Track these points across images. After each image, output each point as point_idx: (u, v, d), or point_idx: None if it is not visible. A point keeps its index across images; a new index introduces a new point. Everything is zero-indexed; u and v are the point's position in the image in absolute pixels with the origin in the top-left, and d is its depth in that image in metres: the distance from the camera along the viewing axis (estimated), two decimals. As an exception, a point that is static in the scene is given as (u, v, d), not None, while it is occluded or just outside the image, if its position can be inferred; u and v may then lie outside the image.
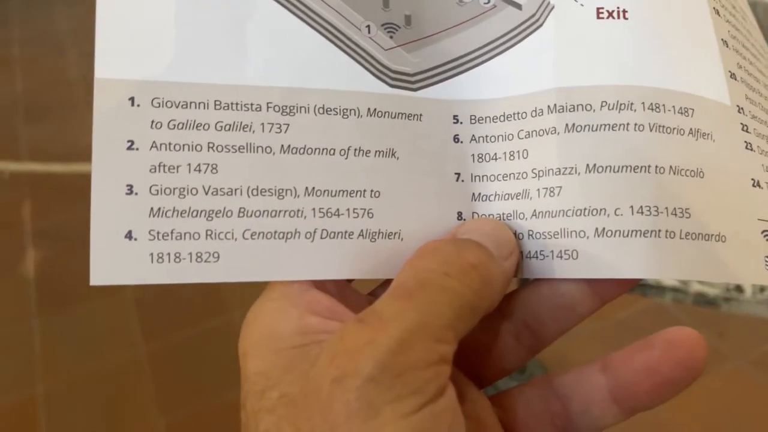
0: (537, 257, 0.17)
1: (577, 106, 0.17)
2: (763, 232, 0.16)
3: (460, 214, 0.17)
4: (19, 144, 1.25)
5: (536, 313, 0.17)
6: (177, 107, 0.16)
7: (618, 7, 0.17)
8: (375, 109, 0.17)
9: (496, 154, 0.18)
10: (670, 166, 0.16)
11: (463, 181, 0.18)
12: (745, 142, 0.17)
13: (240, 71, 0.16)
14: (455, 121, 0.18)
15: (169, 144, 0.16)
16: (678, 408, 0.81)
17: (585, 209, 0.16)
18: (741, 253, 0.16)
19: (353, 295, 0.17)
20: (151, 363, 0.80)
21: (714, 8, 0.18)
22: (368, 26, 0.18)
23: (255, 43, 0.17)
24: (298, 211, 0.16)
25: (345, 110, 0.17)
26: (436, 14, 0.18)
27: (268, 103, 0.16)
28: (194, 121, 0.16)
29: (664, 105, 0.16)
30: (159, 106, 0.16)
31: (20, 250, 0.98)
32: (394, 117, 0.17)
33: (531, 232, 0.17)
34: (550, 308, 0.17)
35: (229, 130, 0.16)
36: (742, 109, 0.17)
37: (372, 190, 0.17)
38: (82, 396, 0.78)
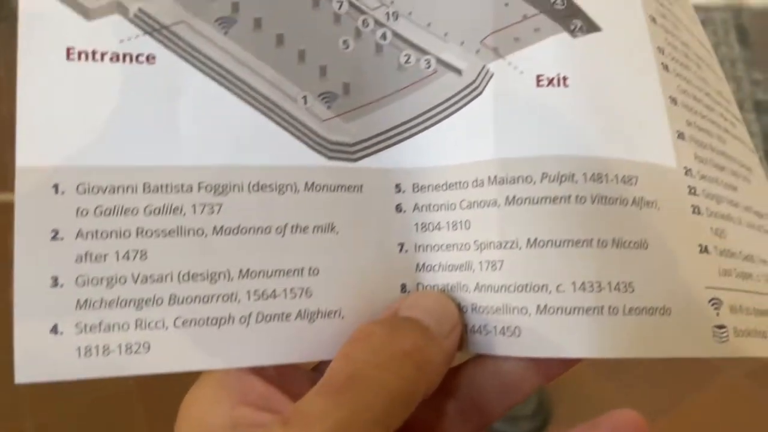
0: (481, 332, 0.16)
1: (518, 177, 0.16)
2: (711, 300, 0.16)
3: (404, 286, 0.17)
4: (8, 170, 1.24)
5: (482, 389, 0.17)
6: (104, 193, 0.15)
7: (558, 74, 0.17)
8: (313, 183, 0.17)
9: (439, 223, 0.17)
10: (613, 239, 0.16)
11: (406, 251, 0.17)
12: (693, 206, 0.17)
13: (170, 151, 0.16)
14: (397, 190, 0.17)
15: (96, 232, 0.15)
16: (673, 421, 0.80)
17: (527, 285, 0.16)
18: (687, 326, 0.16)
19: (295, 374, 0.16)
20: (141, 394, 0.79)
21: (663, 64, 0.18)
22: (305, 97, 0.17)
23: (186, 121, 0.16)
24: (232, 294, 0.16)
25: (281, 186, 0.16)
26: (376, 81, 0.18)
27: (199, 183, 0.16)
28: (122, 207, 0.16)
29: (606, 175, 0.16)
30: (84, 192, 0.15)
31: (7, 279, 0.97)
32: (333, 190, 0.17)
33: (474, 306, 0.16)
34: (495, 385, 0.16)
35: (158, 213, 0.16)
36: (690, 170, 0.17)
37: (310, 268, 0.16)
38: (71, 429, 0.78)
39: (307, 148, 0.17)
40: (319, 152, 0.17)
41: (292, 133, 0.17)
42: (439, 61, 0.18)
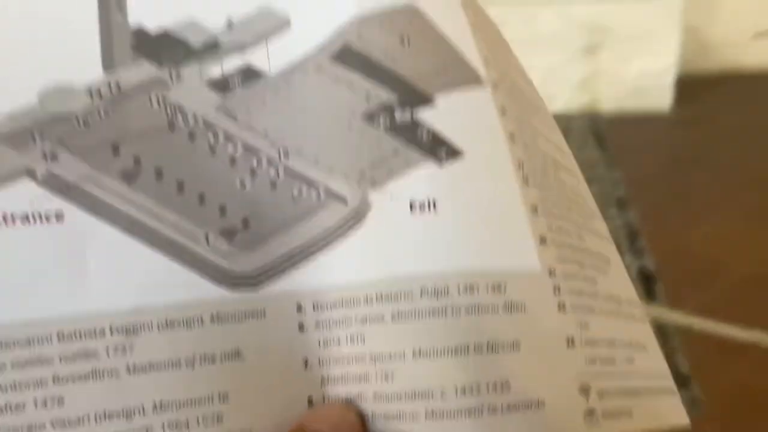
0: None
1: (401, 294, 0.18)
2: (580, 388, 0.18)
3: (310, 399, 0.19)
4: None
5: None
6: (19, 346, 0.17)
7: (428, 199, 0.19)
8: (218, 314, 0.18)
9: (339, 339, 0.19)
10: (487, 343, 0.18)
11: (311, 367, 0.19)
12: (558, 303, 0.19)
13: (81, 300, 0.18)
14: (299, 310, 0.19)
15: (14, 384, 0.17)
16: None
17: (416, 393, 0.18)
18: (561, 415, 0.18)
19: None
20: None
21: (523, 177, 0.20)
22: (206, 235, 0.19)
23: (95, 270, 0.18)
24: (148, 428, 0.17)
25: (188, 321, 0.18)
26: (273, 213, 0.20)
27: (111, 327, 0.17)
28: (38, 357, 0.17)
29: (477, 285, 0.18)
30: (0, 348, 0.17)
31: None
32: (238, 318, 0.19)
33: (374, 414, 0.18)
34: None
35: (73, 359, 0.17)
36: (553, 271, 0.19)
37: (220, 394, 0.18)
38: None
39: (210, 282, 0.19)
40: (223, 285, 0.19)
41: (197, 271, 0.19)
42: (327, 191, 0.20)
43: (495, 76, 0.21)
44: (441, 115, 0.20)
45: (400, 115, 0.20)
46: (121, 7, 0.20)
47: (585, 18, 1.62)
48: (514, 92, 0.22)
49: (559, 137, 0.23)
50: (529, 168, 0.21)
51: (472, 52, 0.21)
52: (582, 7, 1.60)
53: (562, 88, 1.63)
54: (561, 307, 0.19)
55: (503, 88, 0.21)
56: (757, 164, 1.33)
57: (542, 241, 0.20)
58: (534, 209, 0.20)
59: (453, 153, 0.20)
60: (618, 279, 0.22)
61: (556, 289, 0.19)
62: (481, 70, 0.21)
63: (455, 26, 0.22)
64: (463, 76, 0.21)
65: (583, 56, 1.65)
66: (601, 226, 0.22)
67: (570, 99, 1.63)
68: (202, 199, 0.19)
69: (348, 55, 0.20)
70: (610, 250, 0.22)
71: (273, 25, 0.21)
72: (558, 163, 0.22)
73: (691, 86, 1.60)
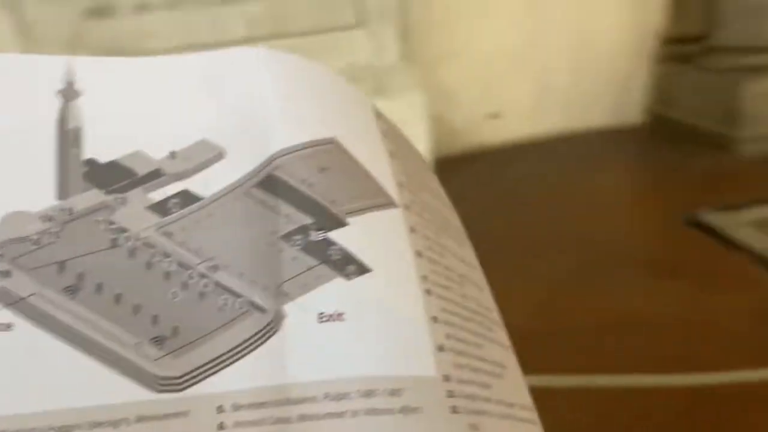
0: None
1: (306, 399, 0.21)
2: None
3: None
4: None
5: None
6: None
7: (335, 311, 0.22)
8: (143, 415, 0.21)
9: None
10: None
11: None
12: (451, 407, 0.21)
13: (22, 401, 0.20)
14: (219, 410, 0.21)
15: None
16: None
17: None
18: None
19: None
20: None
21: (426, 289, 0.23)
22: (138, 343, 0.21)
23: (35, 376, 0.20)
24: None
25: (116, 421, 0.20)
26: (200, 322, 0.22)
27: (48, 426, 0.20)
28: None
29: (376, 390, 0.20)
30: None
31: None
32: (162, 418, 0.21)
33: None
34: None
35: None
36: (448, 377, 0.22)
37: None
38: None
39: (139, 385, 0.21)
40: (150, 387, 0.21)
41: (127, 375, 0.21)
42: (250, 302, 0.22)
43: (408, 198, 0.24)
44: (352, 236, 0.23)
45: (315, 236, 0.23)
46: (78, 142, 0.23)
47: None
48: (426, 212, 0.25)
49: (469, 252, 0.26)
50: (432, 281, 0.23)
51: (386, 179, 0.24)
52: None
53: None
54: (454, 409, 0.21)
55: (415, 209, 0.24)
56: (505, 230, 1.68)
57: (440, 348, 0.22)
58: (434, 319, 0.23)
59: (361, 269, 0.22)
60: (513, 384, 0.24)
61: (450, 393, 0.21)
62: (395, 194, 0.24)
63: (372, 156, 0.25)
64: (376, 200, 0.24)
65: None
66: (503, 335, 0.25)
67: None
68: (137, 309, 0.22)
69: (272, 183, 0.23)
70: (508, 358, 0.24)
71: (210, 156, 0.24)
72: (464, 277, 0.25)
73: (444, 167, 1.84)
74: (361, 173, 0.24)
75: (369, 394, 0.20)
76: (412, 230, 0.24)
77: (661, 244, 2.13)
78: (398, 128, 0.29)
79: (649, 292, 1.83)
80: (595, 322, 1.47)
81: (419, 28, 2.45)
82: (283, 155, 0.24)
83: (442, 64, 2.62)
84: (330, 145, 0.24)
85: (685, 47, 3.06)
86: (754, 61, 2.76)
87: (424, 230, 0.24)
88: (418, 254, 0.23)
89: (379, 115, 0.28)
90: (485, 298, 0.25)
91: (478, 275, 0.26)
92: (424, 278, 0.23)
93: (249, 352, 0.22)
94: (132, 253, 0.22)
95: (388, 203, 0.24)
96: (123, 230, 0.22)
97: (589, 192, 2.42)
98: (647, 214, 2.34)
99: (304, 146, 0.24)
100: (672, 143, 3.19)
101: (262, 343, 0.22)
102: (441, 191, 0.27)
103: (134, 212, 0.23)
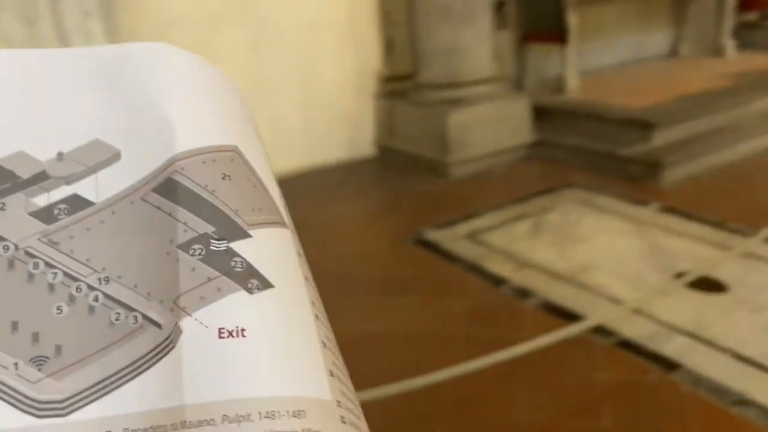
0: None
1: (203, 421, 0.19)
2: None
3: None
4: None
5: None
6: None
7: (237, 327, 0.20)
8: None
9: None
10: None
11: None
12: None
13: None
14: None
15: None
16: None
17: None
18: None
19: None
20: None
21: (315, 314, 0.23)
22: (15, 363, 0.19)
23: None
24: None
25: None
26: (89, 339, 0.20)
27: None
28: None
29: (278, 411, 0.19)
30: None
31: None
32: None
33: None
34: None
35: None
36: (339, 402, 0.21)
37: None
38: None
39: (17, 411, 0.18)
40: (30, 413, 0.19)
41: (3, 399, 0.18)
42: (144, 317, 0.21)
43: (289, 221, 0.25)
44: (255, 249, 0.22)
45: (216, 246, 0.22)
46: None
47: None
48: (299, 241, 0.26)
49: None
50: (318, 307, 0.24)
51: (277, 199, 0.24)
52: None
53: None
54: None
55: (296, 235, 0.25)
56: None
57: (331, 373, 0.21)
58: (324, 344, 0.22)
59: (264, 284, 0.22)
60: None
61: (343, 419, 0.21)
62: (284, 215, 0.24)
63: (265, 171, 0.25)
64: (273, 217, 0.24)
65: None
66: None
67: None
68: (15, 327, 0.19)
69: (170, 187, 0.22)
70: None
71: (103, 157, 0.22)
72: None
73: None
74: (260, 186, 0.24)
75: (271, 415, 0.19)
76: (299, 254, 0.24)
77: (391, 263, 2.37)
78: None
79: (382, 310, 2.02)
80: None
81: None
82: (184, 158, 0.22)
83: None
84: (232, 152, 0.23)
85: (399, 84, 3.46)
86: (453, 95, 3.24)
87: (304, 256, 0.25)
88: (306, 279, 0.24)
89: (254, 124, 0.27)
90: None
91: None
92: (312, 303, 0.23)
93: (142, 372, 0.20)
94: (11, 263, 0.20)
95: (282, 222, 0.24)
96: (5, 239, 0.19)
97: (322, 223, 2.58)
98: (378, 238, 2.59)
99: (207, 151, 0.23)
100: (398, 171, 3.57)
101: (157, 362, 0.20)
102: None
103: (15, 219, 0.20)
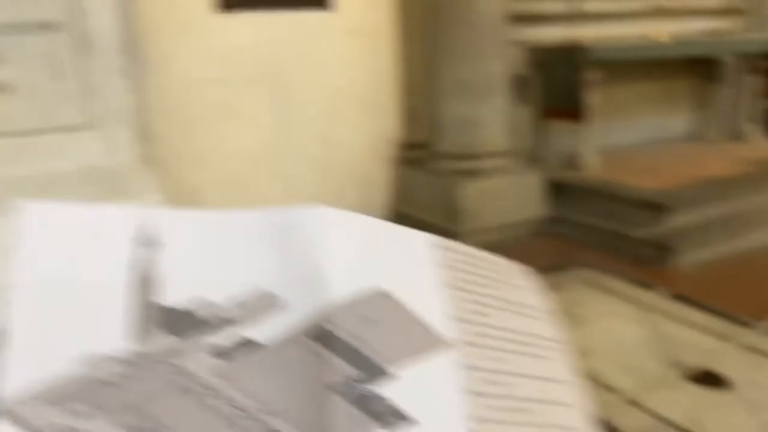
0: None
1: None
2: None
3: None
4: None
5: None
6: None
7: None
8: None
9: None
10: None
11: None
12: None
13: None
14: None
15: None
16: None
17: None
18: None
19: None
20: None
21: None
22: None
23: None
24: None
25: None
26: None
27: None
28: None
29: None
30: None
31: None
32: None
33: None
34: None
35: None
36: None
37: None
38: None
39: None
40: None
41: None
42: None
43: (469, 330, 0.27)
44: (401, 390, 0.25)
45: (364, 390, 0.25)
46: (149, 288, 0.24)
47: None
48: (492, 339, 0.27)
49: (556, 366, 0.28)
50: (477, 417, 0.25)
51: (440, 319, 0.26)
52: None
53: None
54: None
55: (477, 342, 0.26)
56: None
57: None
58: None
59: (409, 424, 0.25)
60: None
61: None
62: (450, 332, 0.26)
63: (423, 300, 0.27)
64: (426, 347, 0.26)
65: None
66: None
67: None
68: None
69: (324, 336, 0.26)
70: None
71: (268, 305, 0.27)
72: (530, 399, 0.27)
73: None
74: (411, 322, 0.26)
75: None
76: (470, 367, 0.26)
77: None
78: (474, 252, 0.30)
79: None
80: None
81: (163, 130, 2.51)
82: (335, 308, 0.26)
83: (190, 165, 2.79)
84: (380, 296, 0.27)
85: (416, 152, 3.52)
86: (467, 166, 3.28)
87: (486, 362, 0.26)
88: (474, 393, 0.25)
89: (441, 247, 0.30)
90: (568, 414, 0.27)
91: (561, 391, 0.27)
92: (472, 417, 0.25)
93: None
94: (186, 390, 0.24)
95: (439, 346, 0.26)
96: (183, 370, 0.24)
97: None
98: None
99: (355, 299, 0.26)
100: (409, 237, 3.56)
101: None
102: (535, 301, 0.29)
103: (198, 356, 0.25)
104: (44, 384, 0.23)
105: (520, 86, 3.53)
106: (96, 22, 2.11)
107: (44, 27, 2.05)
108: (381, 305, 0.27)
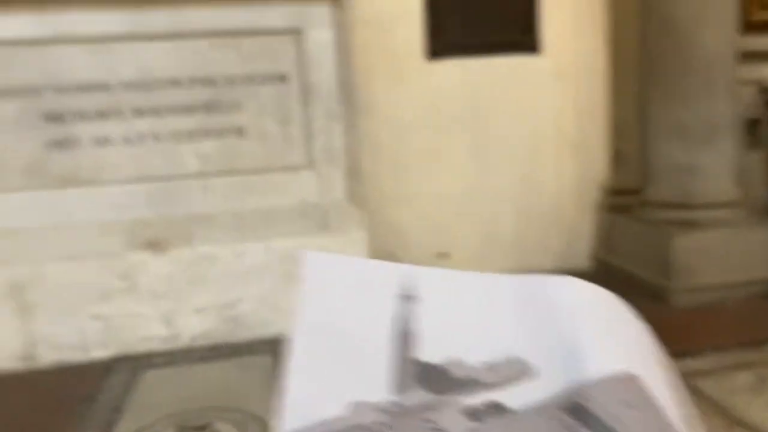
0: None
1: None
2: None
3: None
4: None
5: None
6: None
7: None
8: None
9: None
10: None
11: None
12: None
13: None
14: None
15: None
16: None
17: None
18: None
19: None
20: None
21: None
22: None
23: None
24: None
25: None
26: None
27: None
28: None
29: None
30: None
31: None
32: None
33: None
34: None
35: None
36: None
37: None
38: None
39: None
40: None
41: None
42: None
43: None
44: None
45: None
46: (411, 343, 0.27)
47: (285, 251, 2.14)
48: None
49: None
50: None
51: (676, 419, 0.25)
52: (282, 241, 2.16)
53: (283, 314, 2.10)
54: None
55: None
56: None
57: None
58: None
59: None
60: None
61: None
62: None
63: (665, 395, 0.26)
64: None
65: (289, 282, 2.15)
66: None
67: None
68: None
69: (580, 411, 0.25)
70: None
71: (520, 372, 0.27)
72: None
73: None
74: (660, 414, 0.25)
75: None
76: None
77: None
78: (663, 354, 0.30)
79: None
80: None
81: (372, 173, 2.67)
82: (592, 385, 0.25)
83: (395, 205, 2.85)
84: (633, 381, 0.26)
85: (624, 198, 3.27)
86: (683, 216, 2.96)
87: None
88: None
89: (658, 346, 0.30)
90: None
91: None
92: None
93: None
94: None
95: None
96: (441, 429, 0.25)
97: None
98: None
99: (612, 379, 0.25)
100: (613, 289, 3.29)
101: None
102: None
103: (451, 414, 0.25)
104: (318, 427, 0.25)
105: (751, 130, 3.17)
106: (319, 73, 2.33)
107: (277, 78, 2.30)
108: (634, 390, 0.26)
